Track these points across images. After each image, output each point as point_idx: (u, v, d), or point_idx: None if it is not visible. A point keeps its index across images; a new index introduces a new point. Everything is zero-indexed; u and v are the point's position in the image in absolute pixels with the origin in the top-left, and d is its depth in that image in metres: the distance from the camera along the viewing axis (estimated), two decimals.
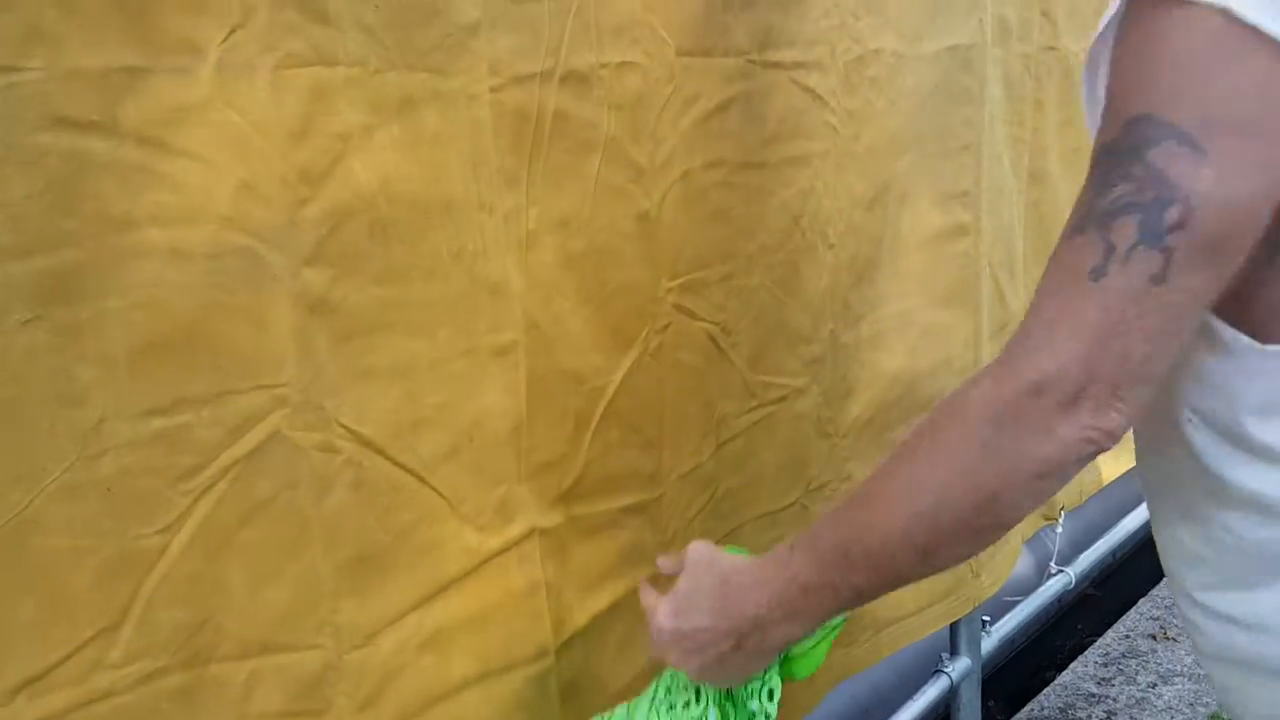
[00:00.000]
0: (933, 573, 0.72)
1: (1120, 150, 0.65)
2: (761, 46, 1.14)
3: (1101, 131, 0.67)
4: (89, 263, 0.65)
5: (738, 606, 0.78)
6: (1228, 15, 0.61)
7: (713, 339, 1.12)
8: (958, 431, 0.68)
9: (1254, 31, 0.61)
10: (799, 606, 0.75)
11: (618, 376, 1.02)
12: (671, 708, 0.85)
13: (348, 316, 0.79)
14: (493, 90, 0.88)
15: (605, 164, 0.99)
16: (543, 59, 0.91)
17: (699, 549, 0.85)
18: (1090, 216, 0.65)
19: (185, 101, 0.69)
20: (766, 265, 1.18)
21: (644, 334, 1.04)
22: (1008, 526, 0.69)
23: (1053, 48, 1.62)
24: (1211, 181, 0.62)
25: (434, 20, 0.82)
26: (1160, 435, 0.79)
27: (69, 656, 0.66)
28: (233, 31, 0.71)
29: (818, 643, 0.83)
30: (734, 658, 0.79)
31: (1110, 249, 0.63)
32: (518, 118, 0.90)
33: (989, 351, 1.53)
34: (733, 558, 0.83)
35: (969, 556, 0.73)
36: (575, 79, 0.94)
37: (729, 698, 0.85)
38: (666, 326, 1.06)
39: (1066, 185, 1.73)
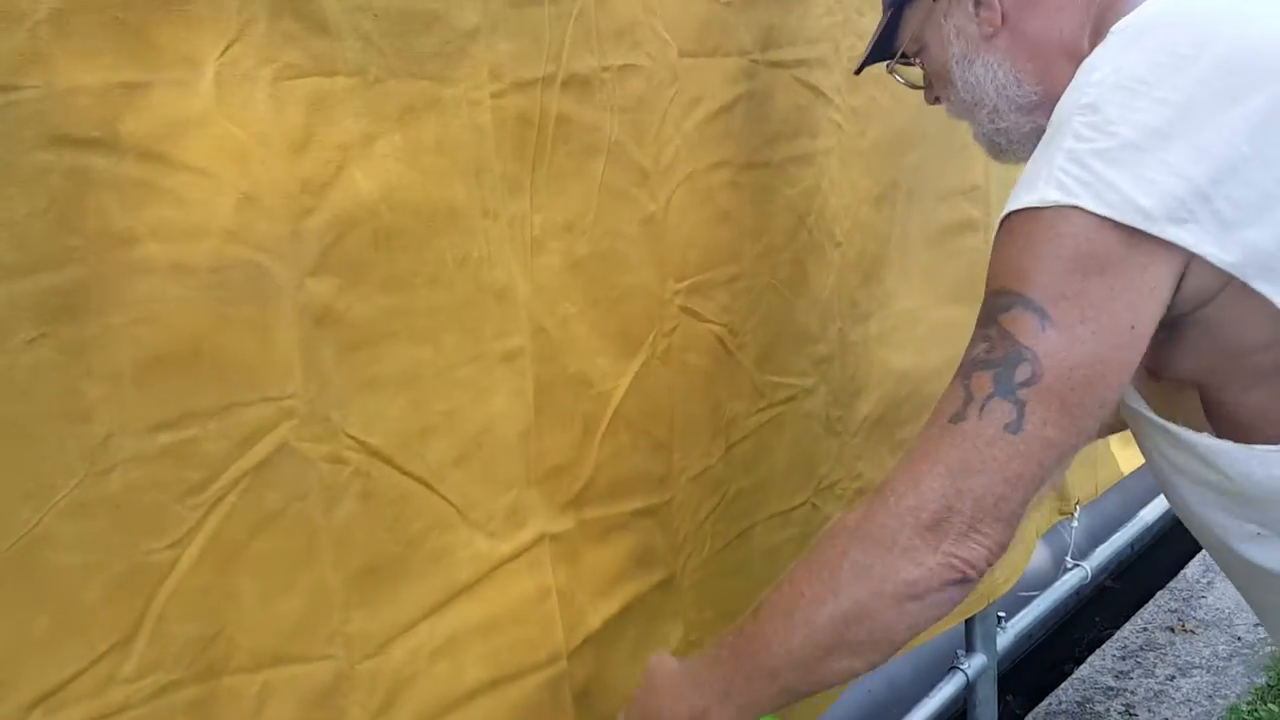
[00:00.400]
0: (824, 685, 0.77)
1: (982, 317, 0.74)
2: (764, 45, 1.14)
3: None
4: (93, 279, 0.65)
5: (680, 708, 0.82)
6: (1058, 205, 0.71)
7: (720, 340, 1.11)
8: (833, 549, 0.74)
9: (1076, 210, 0.71)
10: (733, 688, 0.79)
11: (626, 380, 1.01)
12: None
13: (353, 326, 0.79)
14: (494, 96, 0.87)
15: (609, 167, 0.98)
16: (544, 64, 0.91)
17: (652, 664, 0.87)
18: (959, 370, 0.74)
19: (185, 115, 0.69)
20: (773, 265, 1.18)
21: (651, 337, 1.04)
22: (888, 645, 0.74)
23: None
24: (1056, 342, 0.70)
25: (433, 27, 0.82)
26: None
27: (83, 671, 0.66)
28: (231, 44, 0.71)
29: None
30: None
31: (969, 398, 0.72)
32: (520, 123, 0.90)
33: None
34: (667, 671, 0.84)
35: (858, 671, 0.76)
36: (577, 83, 0.94)
37: None
38: (674, 329, 1.06)
39: None
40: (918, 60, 0.98)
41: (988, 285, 0.76)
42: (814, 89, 1.21)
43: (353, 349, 0.79)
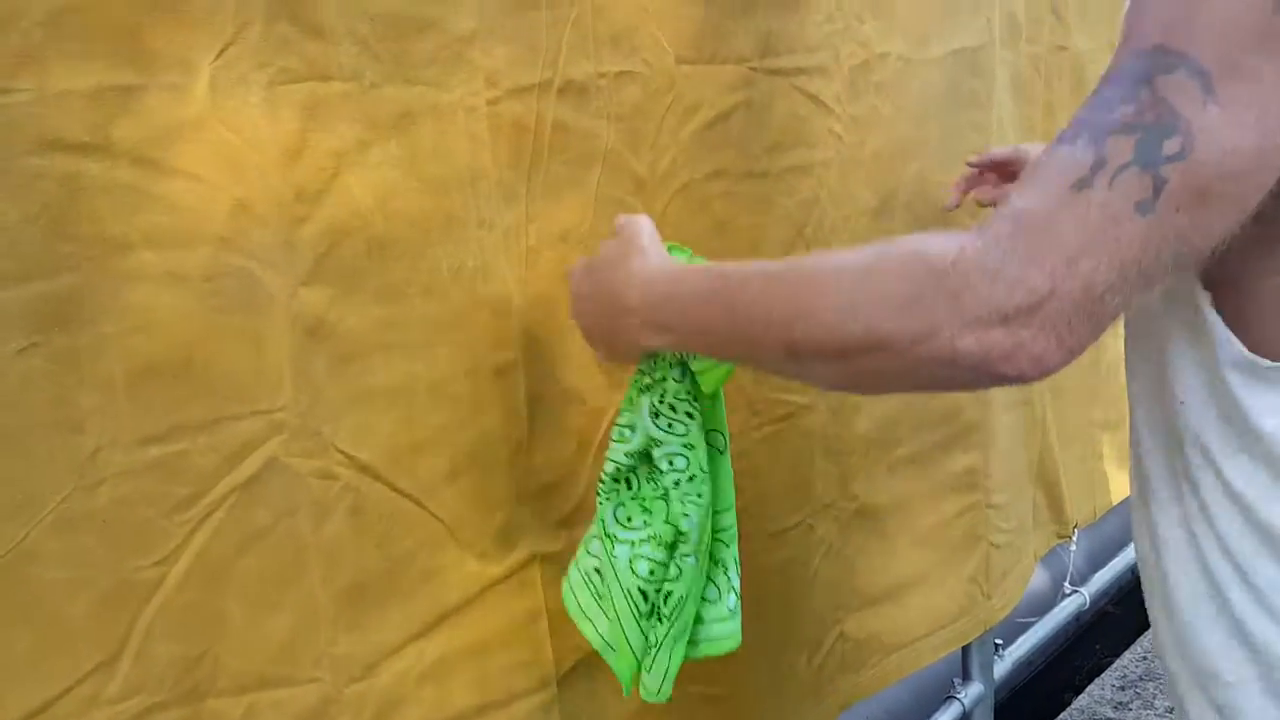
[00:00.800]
0: (791, 374, 0.72)
1: (1127, 75, 0.62)
2: (763, 53, 1.12)
3: (1110, 64, 0.64)
4: (85, 287, 0.64)
5: (620, 292, 0.78)
6: None
7: None
8: (890, 260, 0.63)
9: None
10: (670, 325, 0.76)
11: (620, 395, 1.00)
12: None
13: (346, 338, 0.77)
14: (490, 103, 0.86)
15: (605, 176, 0.97)
16: (540, 70, 0.90)
17: (635, 223, 0.83)
18: (1084, 128, 0.61)
19: (179, 120, 0.67)
20: None
21: None
22: (874, 382, 0.66)
23: (1063, 47, 1.60)
24: (1217, 120, 0.59)
25: (429, 32, 0.81)
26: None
27: (67, 691, 0.65)
28: (226, 48, 0.69)
29: (717, 365, 0.84)
30: (611, 340, 0.81)
31: (1101, 163, 0.59)
32: (516, 130, 0.89)
33: None
34: (647, 248, 0.80)
35: (830, 381, 0.69)
36: (574, 90, 0.93)
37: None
38: None
39: None
40: None
41: (1131, 38, 0.63)
42: (814, 98, 1.19)
43: (345, 361, 0.77)
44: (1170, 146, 0.59)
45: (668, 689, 0.86)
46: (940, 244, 0.61)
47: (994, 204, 1.33)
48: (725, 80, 1.08)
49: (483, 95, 0.85)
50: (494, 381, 0.88)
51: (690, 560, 0.85)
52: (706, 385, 0.84)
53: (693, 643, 0.88)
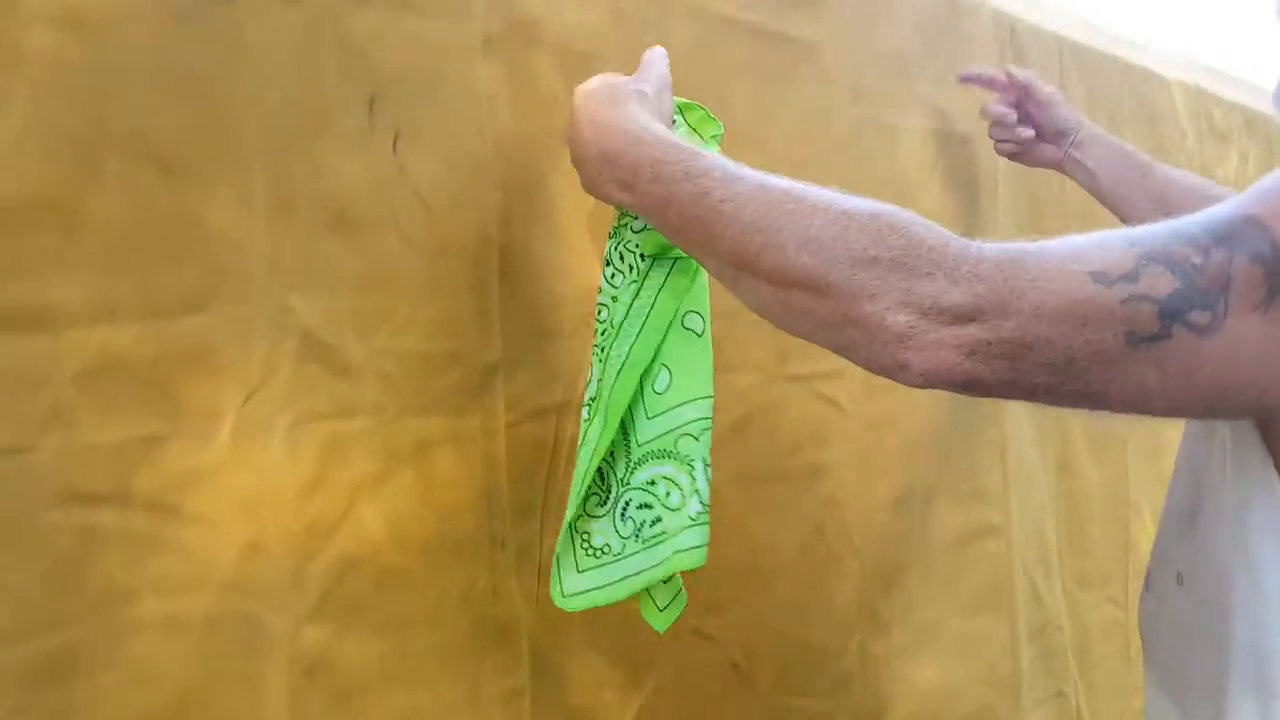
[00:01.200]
0: (724, 280, 0.70)
1: (1221, 225, 0.61)
2: (780, 360, 1.15)
3: (1215, 206, 0.64)
4: (86, 641, 0.63)
5: (602, 133, 0.75)
6: None
7: (734, 665, 1.07)
8: (887, 229, 0.62)
9: None
10: (633, 187, 0.72)
11: (631, 713, 0.96)
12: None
13: (345, 674, 0.75)
14: (509, 425, 0.88)
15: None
16: (561, 391, 0.92)
17: (658, 62, 0.80)
18: (1150, 240, 0.60)
19: (200, 466, 0.69)
20: (791, 580, 1.14)
21: (659, 664, 0.99)
22: (798, 321, 0.65)
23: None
24: (1255, 333, 0.59)
25: (455, 366, 0.84)
26: None
27: None
28: (253, 394, 0.72)
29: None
30: (586, 179, 0.77)
31: (1131, 278, 0.59)
32: (534, 448, 0.90)
33: (1028, 656, 1.46)
34: (649, 96, 0.78)
35: (757, 303, 0.68)
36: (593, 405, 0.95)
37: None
38: (685, 653, 1.01)
39: (1096, 473, 1.70)
40: None
41: (1253, 194, 0.62)
42: (830, 400, 1.21)
43: (344, 699, 0.75)
44: (1198, 318, 0.59)
45: (555, 591, 0.80)
46: (932, 233, 0.61)
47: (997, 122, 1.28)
48: (742, 388, 1.11)
49: (503, 419, 0.87)
50: (499, 709, 0.85)
51: (591, 422, 0.80)
52: (645, 246, 0.80)
53: (658, 564, 0.79)
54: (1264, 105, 2.07)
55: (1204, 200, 0.83)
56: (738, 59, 1.00)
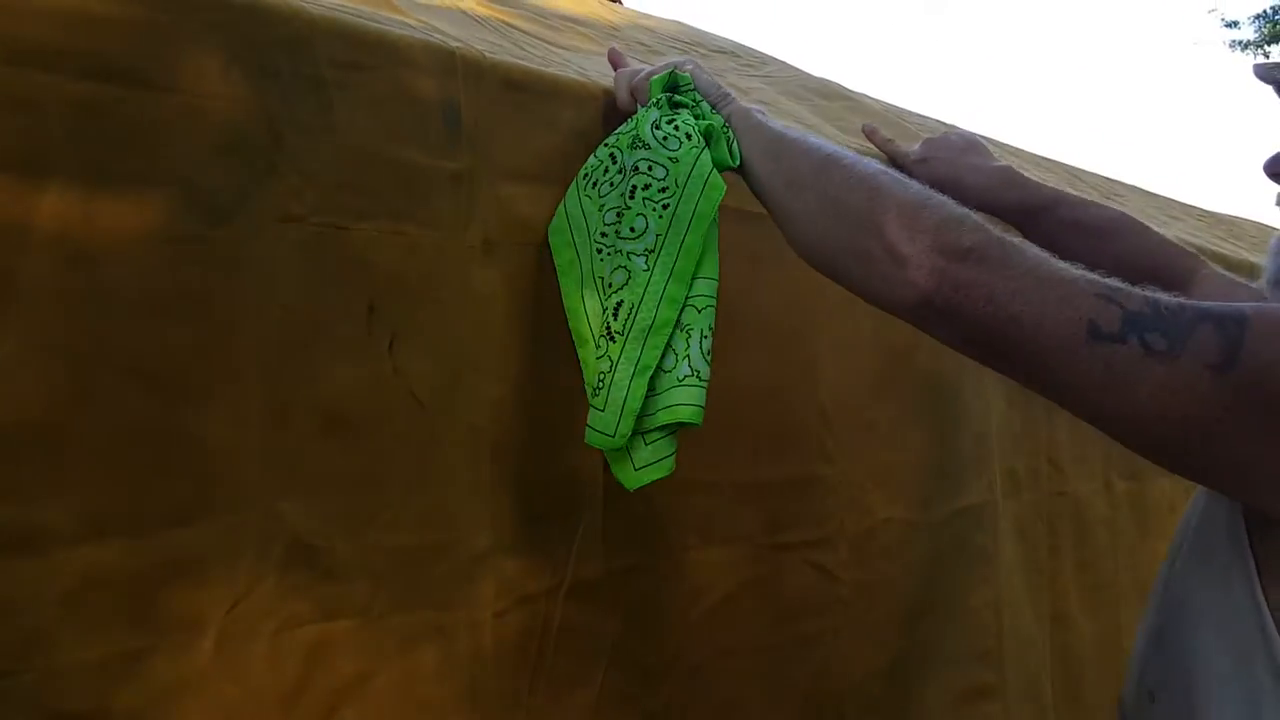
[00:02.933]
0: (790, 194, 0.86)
1: (1204, 306, 0.70)
2: (771, 530, 1.15)
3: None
4: None
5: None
6: None
7: None
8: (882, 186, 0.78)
9: None
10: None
11: None
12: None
13: None
14: (496, 615, 0.87)
15: (611, 669, 0.96)
16: (550, 575, 0.92)
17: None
18: (1102, 284, 0.71)
19: (182, 679, 0.68)
20: None
21: None
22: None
23: (1062, 493, 1.64)
24: (1209, 379, 0.67)
25: (443, 556, 0.83)
26: None
27: None
28: (237, 603, 0.71)
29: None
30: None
31: (1112, 289, 0.70)
32: (521, 637, 0.89)
33: None
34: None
35: (809, 212, 0.84)
36: (583, 588, 0.94)
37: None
38: None
39: (1090, 624, 1.68)
40: None
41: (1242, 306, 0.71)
42: (820, 567, 1.21)
43: None
44: (1155, 341, 0.68)
45: (626, 426, 0.83)
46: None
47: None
48: (733, 560, 1.10)
49: (489, 609, 0.87)
50: None
51: (639, 261, 0.84)
52: (702, 127, 0.89)
53: (652, 413, 0.85)
54: (1242, 254, 2.11)
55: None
56: (727, 240, 1.03)
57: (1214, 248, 2.10)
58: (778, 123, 0.91)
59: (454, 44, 0.83)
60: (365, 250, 0.76)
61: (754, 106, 0.93)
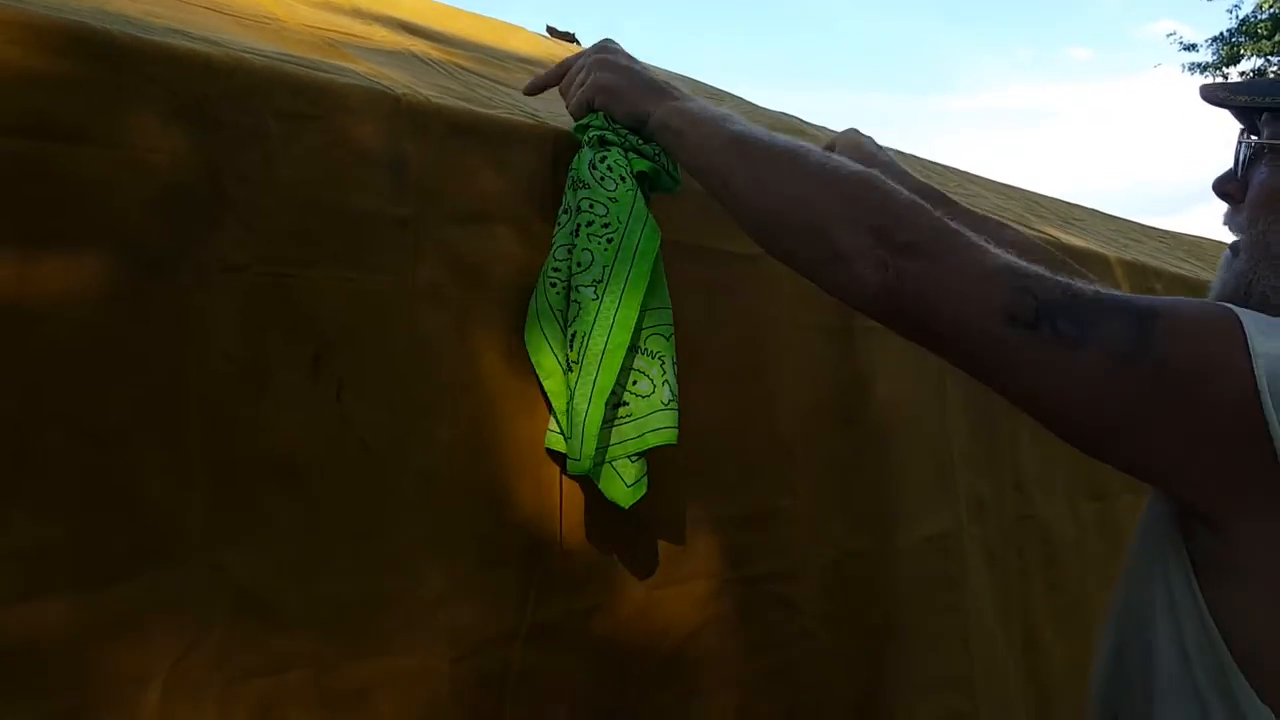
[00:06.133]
0: (727, 197, 0.87)
1: (1122, 298, 0.73)
2: (735, 564, 1.15)
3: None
4: None
5: (628, 65, 0.95)
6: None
7: None
8: (837, 171, 0.80)
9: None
10: (664, 96, 0.92)
11: None
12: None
13: None
14: (454, 662, 0.86)
15: (574, 714, 0.95)
16: (509, 619, 0.91)
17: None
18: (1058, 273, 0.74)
19: None
20: None
21: None
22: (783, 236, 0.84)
23: (1029, 516, 1.64)
24: (1107, 369, 0.70)
25: (395, 605, 0.83)
26: None
27: None
28: (182, 657, 0.70)
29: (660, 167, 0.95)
30: (614, 79, 0.94)
31: (1029, 279, 0.73)
32: (480, 684, 0.88)
33: None
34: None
35: (751, 224, 0.87)
36: (543, 631, 0.93)
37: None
38: None
39: (1061, 648, 1.68)
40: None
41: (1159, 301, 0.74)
42: (787, 601, 1.20)
43: None
44: (1066, 329, 0.71)
45: (589, 447, 0.87)
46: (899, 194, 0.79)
47: None
48: (698, 596, 1.10)
49: (446, 656, 0.86)
50: None
51: (589, 291, 0.88)
52: (638, 164, 0.92)
53: (637, 438, 0.91)
54: (1204, 274, 2.14)
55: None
56: (685, 277, 1.03)
57: (1174, 269, 2.12)
58: (696, 105, 0.91)
59: (400, 90, 0.84)
60: (310, 298, 0.76)
61: (672, 103, 0.92)
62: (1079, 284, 0.74)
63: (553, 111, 1.01)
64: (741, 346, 1.15)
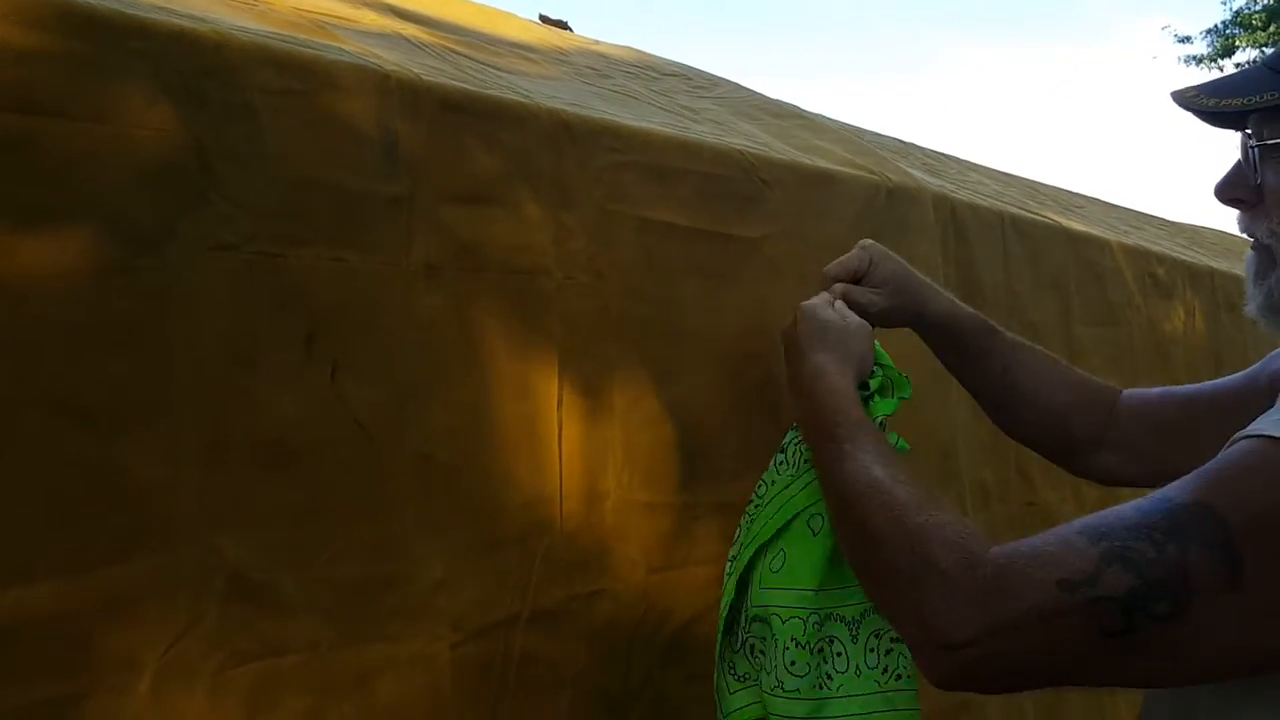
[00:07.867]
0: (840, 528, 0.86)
1: (1173, 520, 0.66)
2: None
3: (1173, 486, 0.68)
4: None
5: (820, 366, 0.93)
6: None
7: None
8: (940, 531, 0.71)
9: None
10: (809, 422, 0.91)
11: None
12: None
13: None
14: (454, 647, 0.85)
15: (575, 699, 0.94)
16: (509, 604, 0.90)
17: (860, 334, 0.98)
18: (1105, 533, 0.66)
19: None
20: None
21: None
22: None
23: (1032, 503, 1.63)
24: (1227, 607, 0.63)
25: (395, 588, 0.82)
26: None
27: None
28: (175, 641, 0.69)
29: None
30: (800, 367, 0.95)
31: (1093, 581, 0.64)
32: (481, 669, 0.87)
33: None
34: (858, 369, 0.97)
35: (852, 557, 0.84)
36: (544, 617, 0.92)
37: None
38: None
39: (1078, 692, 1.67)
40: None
41: (1194, 478, 0.68)
42: None
43: None
44: (1160, 609, 0.63)
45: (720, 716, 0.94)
46: (951, 554, 0.69)
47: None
48: (697, 582, 1.09)
49: (446, 640, 0.85)
50: None
51: (730, 579, 0.95)
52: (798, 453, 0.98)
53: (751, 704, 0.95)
54: (1205, 260, 2.13)
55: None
56: (682, 261, 1.02)
57: (1176, 255, 2.11)
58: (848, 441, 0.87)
59: (390, 67, 0.83)
60: (303, 278, 0.75)
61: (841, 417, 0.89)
62: (1132, 541, 0.66)
63: (545, 93, 1.00)
64: (743, 330, 1.14)
